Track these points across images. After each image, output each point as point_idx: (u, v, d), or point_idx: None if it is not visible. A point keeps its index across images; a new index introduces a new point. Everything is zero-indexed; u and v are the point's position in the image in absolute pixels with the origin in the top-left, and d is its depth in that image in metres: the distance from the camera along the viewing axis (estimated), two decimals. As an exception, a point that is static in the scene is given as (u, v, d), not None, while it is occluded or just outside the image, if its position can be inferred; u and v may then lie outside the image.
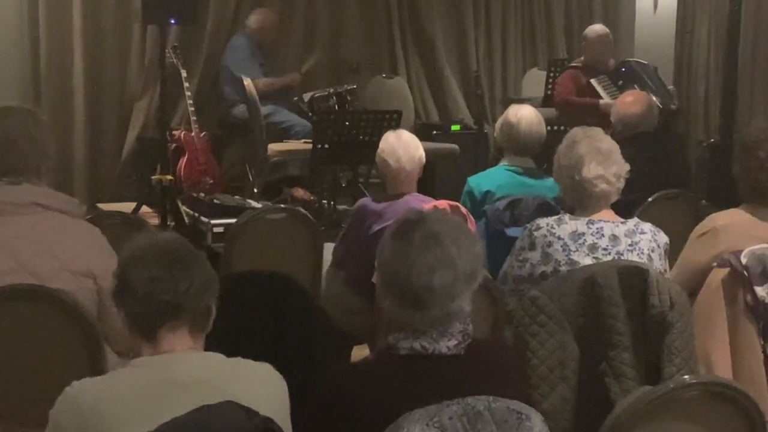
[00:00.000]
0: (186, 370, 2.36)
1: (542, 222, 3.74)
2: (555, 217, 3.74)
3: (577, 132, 3.87)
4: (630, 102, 5.81)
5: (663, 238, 3.75)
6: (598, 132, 3.86)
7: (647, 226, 3.73)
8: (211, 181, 7.71)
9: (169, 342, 2.40)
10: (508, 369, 2.61)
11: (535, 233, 3.72)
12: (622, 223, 3.71)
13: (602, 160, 3.72)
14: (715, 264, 3.60)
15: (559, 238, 3.66)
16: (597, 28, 8.24)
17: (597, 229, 3.66)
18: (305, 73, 8.87)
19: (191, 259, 2.44)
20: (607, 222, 3.69)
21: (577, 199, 3.78)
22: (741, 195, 3.93)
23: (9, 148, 3.41)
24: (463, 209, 4.61)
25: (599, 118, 6.85)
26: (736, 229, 3.79)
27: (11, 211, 3.33)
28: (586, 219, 3.69)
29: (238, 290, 3.33)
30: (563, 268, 3.60)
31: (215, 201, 6.98)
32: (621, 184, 3.77)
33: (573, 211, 3.80)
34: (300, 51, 9.30)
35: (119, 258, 2.51)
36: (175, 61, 7.83)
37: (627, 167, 3.79)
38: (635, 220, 3.77)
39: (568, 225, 3.68)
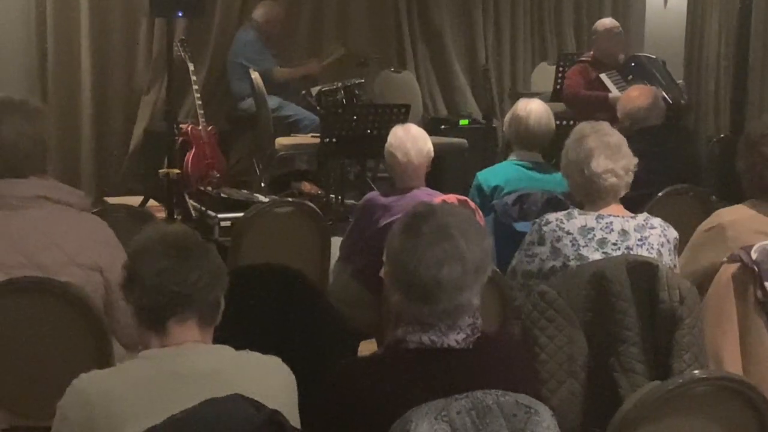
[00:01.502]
0: (194, 362, 2.36)
1: (551, 217, 3.72)
2: (564, 212, 3.73)
3: (584, 126, 3.86)
4: (636, 96, 5.80)
5: (672, 233, 3.74)
6: (605, 126, 3.86)
7: (657, 221, 3.72)
8: (218, 175, 7.71)
9: (178, 334, 2.39)
10: (517, 363, 2.61)
11: (544, 228, 3.70)
12: (631, 217, 3.69)
13: (611, 153, 3.71)
14: (724, 259, 3.58)
15: (568, 232, 3.64)
16: (607, 22, 8.20)
17: (606, 223, 3.64)
18: (327, 65, 8.85)
19: (201, 250, 2.44)
20: (617, 217, 3.67)
21: (587, 194, 3.77)
22: (746, 190, 3.91)
23: (9, 152, 3.37)
24: (472, 204, 4.60)
25: (608, 112, 6.81)
26: (743, 224, 3.77)
27: (18, 205, 3.32)
28: (596, 214, 3.67)
29: (246, 284, 3.32)
30: (572, 263, 3.58)
31: (222, 195, 6.99)
32: (630, 178, 3.75)
33: (582, 206, 3.78)
34: (308, 45, 9.29)
35: (128, 249, 2.51)
36: (182, 54, 7.82)
37: (635, 161, 3.78)
38: (645, 215, 3.75)
39: (577, 220, 3.66)
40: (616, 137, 3.80)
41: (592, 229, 3.62)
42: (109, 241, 3.45)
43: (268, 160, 7.95)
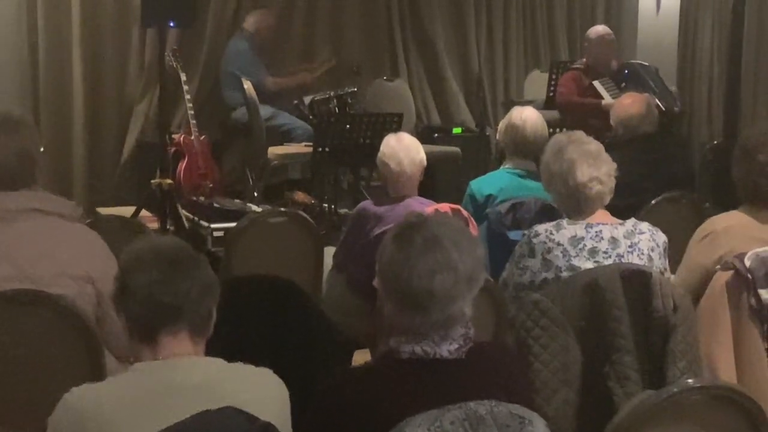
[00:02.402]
0: (186, 375, 2.35)
1: (540, 228, 3.71)
2: (553, 223, 3.71)
3: (560, 138, 3.87)
4: (629, 104, 5.80)
5: (661, 237, 3.73)
6: (581, 135, 3.87)
7: (645, 226, 3.71)
8: (211, 185, 7.69)
9: (170, 346, 2.39)
10: (511, 373, 2.59)
11: (534, 240, 3.69)
12: (620, 224, 3.69)
13: (593, 161, 3.71)
14: (718, 267, 3.57)
15: (558, 244, 3.63)
16: (599, 29, 8.21)
17: (596, 232, 3.63)
18: (318, 75, 8.82)
19: (192, 262, 2.43)
20: (606, 224, 3.66)
21: (574, 204, 3.76)
22: (740, 197, 3.91)
23: None
24: (465, 212, 4.59)
25: (601, 118, 6.83)
26: (737, 231, 3.77)
27: (9, 218, 3.31)
28: (585, 223, 3.66)
29: (239, 294, 3.31)
30: (564, 274, 3.57)
31: (215, 205, 6.97)
32: (612, 183, 3.75)
33: (570, 216, 3.77)
34: (300, 54, 9.28)
35: (120, 261, 2.50)
36: (174, 64, 7.80)
37: (614, 165, 3.78)
38: (633, 220, 3.74)
39: (566, 230, 3.65)
40: (594, 144, 3.81)
41: (582, 238, 3.61)
42: (101, 252, 3.44)
43: (261, 170, 7.94)
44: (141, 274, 2.38)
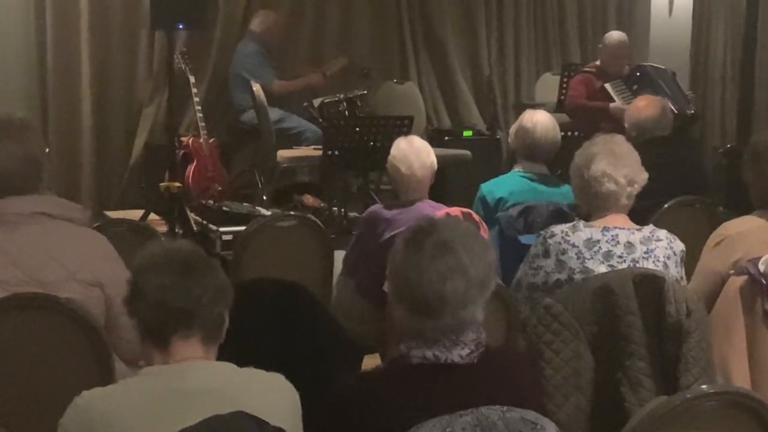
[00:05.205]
0: (197, 379, 2.35)
1: (556, 229, 3.70)
2: (569, 224, 3.71)
3: (598, 136, 3.87)
4: (643, 106, 5.79)
5: (679, 246, 3.71)
6: (618, 137, 3.86)
7: (663, 233, 3.70)
8: (220, 188, 7.68)
9: (181, 351, 2.39)
10: (522, 378, 2.60)
11: (549, 240, 3.68)
12: (637, 230, 3.67)
13: (613, 160, 3.70)
14: (732, 272, 3.55)
15: (573, 245, 3.62)
16: (616, 36, 8.19)
17: (612, 236, 3.62)
18: (330, 76, 8.79)
19: (205, 266, 2.44)
20: (623, 229, 3.65)
21: (586, 199, 3.77)
22: (752, 201, 3.89)
23: (3, 177, 3.34)
24: (476, 216, 4.57)
25: (611, 122, 6.82)
26: (752, 235, 3.76)
27: (17, 221, 3.29)
28: (601, 226, 3.65)
29: (248, 299, 3.29)
30: (578, 276, 3.57)
31: (224, 208, 6.96)
32: (634, 190, 3.72)
33: (588, 218, 3.76)
34: (310, 56, 9.27)
35: (133, 265, 2.50)
36: (183, 66, 7.78)
37: (644, 175, 3.75)
38: (651, 227, 3.73)
39: (582, 232, 3.64)
40: (626, 148, 3.79)
41: (598, 241, 3.60)
42: (109, 256, 3.43)
43: (270, 173, 7.92)
44: (154, 278, 2.39)
